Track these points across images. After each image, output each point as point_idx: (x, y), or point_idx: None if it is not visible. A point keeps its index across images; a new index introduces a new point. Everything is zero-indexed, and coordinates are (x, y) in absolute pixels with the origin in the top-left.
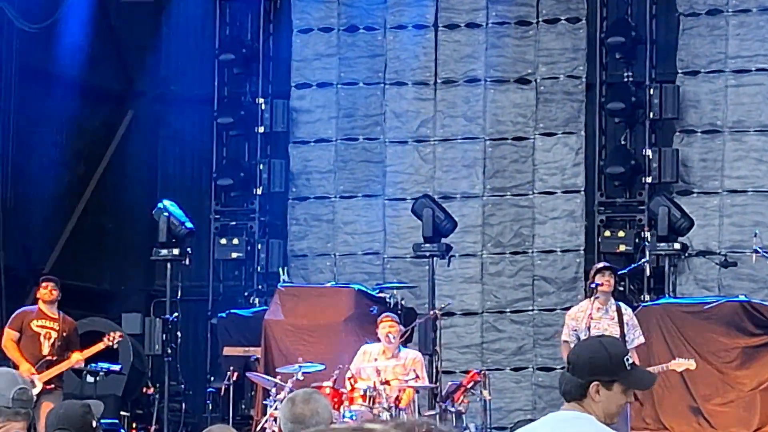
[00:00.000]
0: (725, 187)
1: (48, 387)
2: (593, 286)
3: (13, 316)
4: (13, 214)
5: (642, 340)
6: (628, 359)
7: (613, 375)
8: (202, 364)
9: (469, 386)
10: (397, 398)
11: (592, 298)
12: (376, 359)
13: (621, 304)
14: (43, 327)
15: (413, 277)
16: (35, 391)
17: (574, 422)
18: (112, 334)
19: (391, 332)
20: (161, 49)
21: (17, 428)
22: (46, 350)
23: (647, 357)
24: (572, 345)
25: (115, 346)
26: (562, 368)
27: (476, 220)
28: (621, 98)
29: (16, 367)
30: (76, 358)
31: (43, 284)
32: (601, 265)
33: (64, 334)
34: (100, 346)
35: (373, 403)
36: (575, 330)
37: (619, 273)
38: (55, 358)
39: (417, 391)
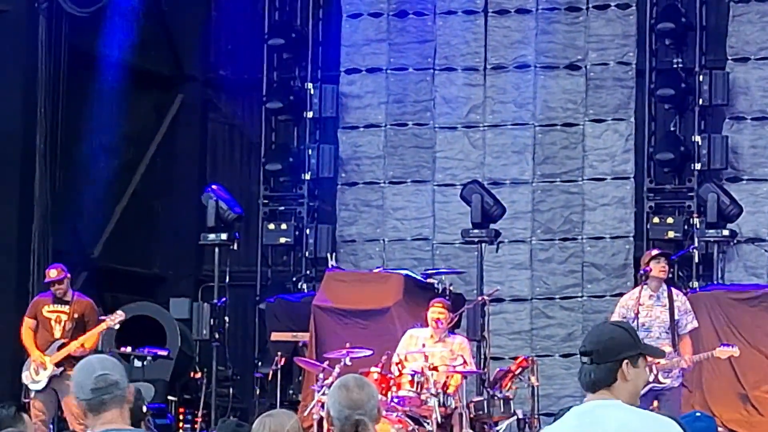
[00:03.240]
0: None
1: (61, 369)
2: (643, 272)
3: (30, 304)
4: (62, 198)
5: (695, 324)
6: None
7: (638, 348)
8: (250, 349)
9: (517, 372)
10: (444, 384)
11: (642, 285)
12: (424, 344)
13: (673, 289)
14: (53, 312)
15: (462, 262)
16: (47, 374)
17: (611, 409)
18: (113, 314)
19: (441, 317)
20: (211, 34)
21: (109, 418)
22: (58, 334)
23: (696, 344)
24: None
25: (117, 327)
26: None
27: (526, 207)
28: (671, 85)
29: (28, 354)
30: (75, 345)
31: (46, 271)
32: (656, 252)
33: (75, 315)
34: (102, 327)
35: (421, 388)
36: (625, 318)
37: (670, 259)
38: (67, 340)
39: (465, 377)
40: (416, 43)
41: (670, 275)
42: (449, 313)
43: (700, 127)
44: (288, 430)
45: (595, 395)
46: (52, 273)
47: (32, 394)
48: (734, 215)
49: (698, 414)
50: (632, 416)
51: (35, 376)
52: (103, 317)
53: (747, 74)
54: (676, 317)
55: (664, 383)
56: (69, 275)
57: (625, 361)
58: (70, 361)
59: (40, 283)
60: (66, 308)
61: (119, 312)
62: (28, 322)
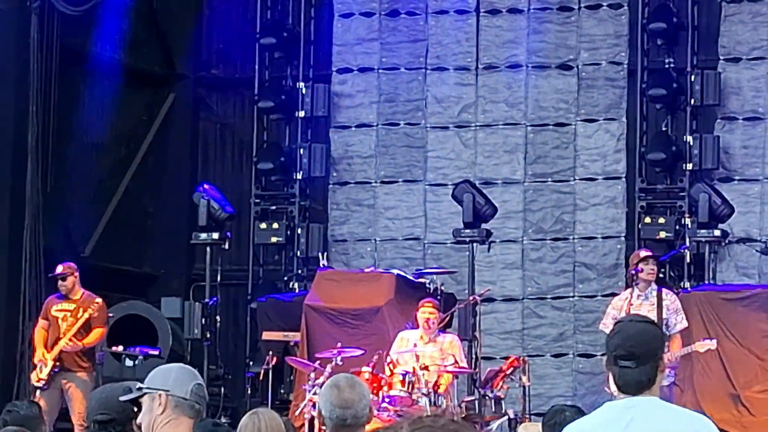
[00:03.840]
0: (766, 174)
1: (59, 365)
2: (633, 273)
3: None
4: (53, 197)
5: (685, 324)
6: None
7: (663, 340)
8: (242, 348)
9: (508, 372)
10: (435, 383)
11: (633, 286)
12: (415, 345)
13: (664, 289)
14: (60, 311)
15: (454, 262)
16: (47, 370)
17: (649, 405)
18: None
19: (431, 317)
20: (202, 33)
21: (186, 425)
22: (64, 332)
23: (686, 343)
24: None
25: (96, 315)
26: (604, 355)
27: (517, 206)
28: (662, 84)
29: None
30: (65, 342)
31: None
32: (644, 253)
33: (83, 314)
34: (60, 345)
35: (412, 388)
36: (615, 319)
37: (660, 260)
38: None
39: (456, 376)
40: (408, 42)
41: (661, 275)
42: (439, 312)
43: (692, 127)
44: (274, 427)
45: (636, 396)
46: (58, 268)
47: (38, 393)
48: (725, 215)
49: None
50: (672, 413)
51: (40, 374)
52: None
53: (739, 74)
54: (665, 316)
55: None
56: (77, 273)
57: (660, 360)
58: (76, 362)
59: (32, 281)
60: (71, 306)
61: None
62: (41, 323)
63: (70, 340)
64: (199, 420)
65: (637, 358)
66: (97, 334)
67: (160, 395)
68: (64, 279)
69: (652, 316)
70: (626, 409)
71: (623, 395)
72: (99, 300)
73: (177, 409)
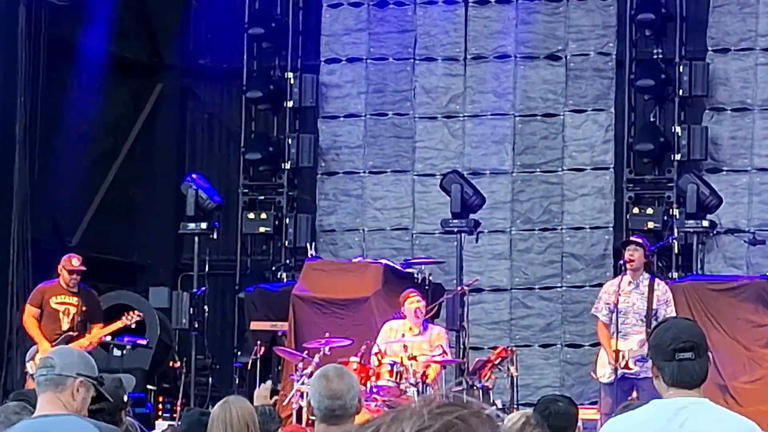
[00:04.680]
0: (754, 165)
1: None
2: (622, 261)
3: (33, 291)
4: (41, 186)
5: (673, 315)
6: None
7: None
8: (229, 338)
9: (496, 362)
10: (423, 374)
11: (623, 273)
12: (403, 335)
13: (657, 279)
14: (62, 303)
15: (441, 252)
16: None
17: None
18: (131, 313)
19: (420, 306)
20: (190, 23)
21: (44, 400)
22: (65, 326)
23: None
24: (604, 321)
25: (133, 326)
26: (593, 345)
27: (505, 197)
28: (650, 75)
29: (35, 344)
30: (92, 338)
31: (66, 257)
32: (625, 239)
33: (84, 308)
34: (118, 325)
35: (400, 378)
36: (608, 304)
37: (649, 249)
38: (76, 333)
39: (444, 367)
40: (396, 33)
41: (652, 266)
42: (425, 302)
43: (680, 118)
44: (245, 416)
45: (690, 392)
46: (75, 262)
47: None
48: (714, 206)
49: None
50: (725, 417)
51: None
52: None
53: (727, 65)
54: (654, 306)
55: (633, 369)
56: None
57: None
58: None
59: (20, 271)
60: (74, 300)
61: (137, 312)
62: (31, 311)
63: (90, 343)
64: (63, 388)
65: (697, 349)
66: (107, 332)
67: (82, 381)
68: (80, 273)
69: (642, 305)
70: (679, 409)
71: (675, 391)
72: (94, 292)
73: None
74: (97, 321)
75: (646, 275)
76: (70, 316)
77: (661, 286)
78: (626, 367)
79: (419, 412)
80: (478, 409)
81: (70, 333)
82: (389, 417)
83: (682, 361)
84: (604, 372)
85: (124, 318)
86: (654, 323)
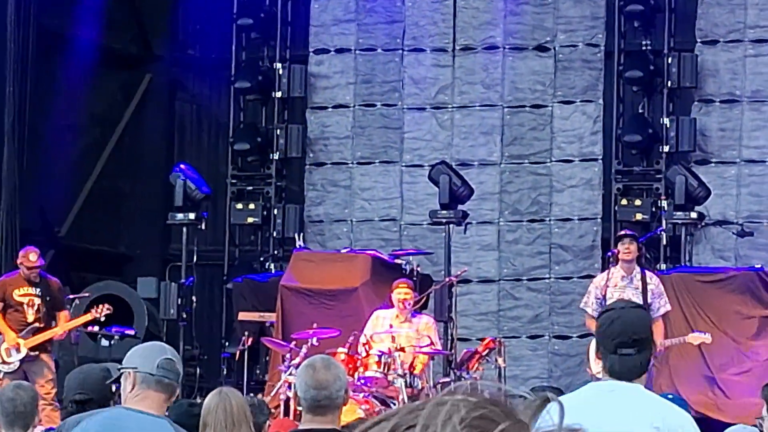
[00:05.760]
0: (743, 156)
1: (34, 354)
2: (610, 254)
3: None
4: (29, 177)
5: (668, 308)
6: None
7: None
8: (217, 328)
9: (484, 353)
10: (411, 364)
11: (612, 267)
12: (391, 325)
13: (647, 272)
14: (25, 295)
15: (430, 243)
16: (19, 357)
17: (634, 392)
18: (100, 307)
19: (407, 298)
20: (179, 13)
21: (154, 398)
22: (31, 318)
23: (665, 329)
24: (594, 315)
25: (102, 319)
26: (581, 336)
27: (494, 188)
28: (639, 67)
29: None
30: (64, 327)
31: (23, 252)
32: (622, 232)
33: (48, 298)
34: (87, 318)
35: (388, 369)
36: (598, 298)
37: (638, 241)
38: (42, 324)
39: (431, 358)
40: (385, 23)
41: (643, 259)
42: (414, 292)
43: (669, 110)
44: (241, 405)
45: (629, 383)
46: (33, 257)
47: (1, 375)
48: (702, 198)
49: (670, 396)
50: (654, 404)
51: (6, 357)
52: (70, 300)
53: (716, 57)
54: (649, 300)
55: None
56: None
57: (654, 340)
58: (44, 346)
59: (8, 261)
60: (37, 290)
61: (107, 306)
62: None
63: (64, 332)
64: (173, 396)
65: (638, 345)
66: (66, 317)
67: (129, 373)
68: (39, 268)
69: (637, 299)
70: (609, 392)
71: (612, 380)
72: (56, 280)
73: (143, 384)
74: (60, 308)
75: (638, 269)
76: (35, 307)
77: (653, 279)
78: None
79: (451, 421)
80: (512, 412)
81: (36, 324)
82: (412, 415)
83: (623, 356)
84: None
85: (93, 311)
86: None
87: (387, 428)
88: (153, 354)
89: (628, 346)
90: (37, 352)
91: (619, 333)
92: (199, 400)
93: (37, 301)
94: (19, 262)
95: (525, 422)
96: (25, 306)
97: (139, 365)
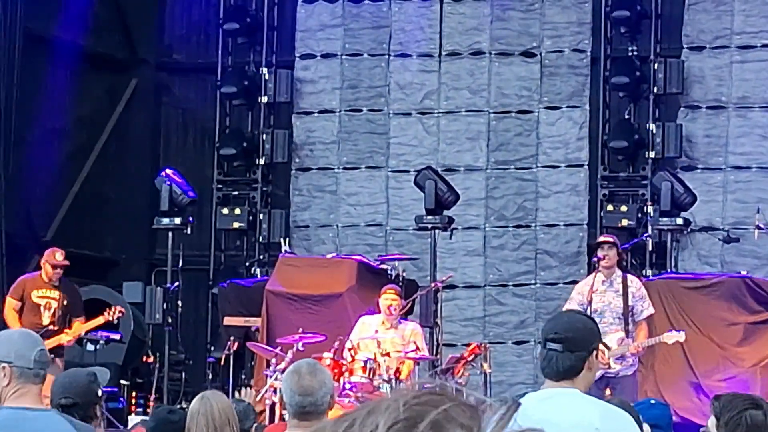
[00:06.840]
0: (729, 163)
1: (51, 356)
2: (595, 260)
3: (14, 284)
4: (14, 181)
5: (652, 311)
6: None
7: (600, 338)
8: (203, 333)
9: (469, 359)
10: (396, 370)
11: (596, 272)
12: (376, 331)
13: (629, 275)
14: (43, 297)
15: (415, 249)
16: None
17: (571, 398)
18: (114, 308)
19: (393, 304)
20: (165, 17)
21: (34, 392)
22: (46, 320)
23: (652, 330)
24: None
25: (115, 322)
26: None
27: (479, 193)
28: (625, 72)
29: None
30: (74, 332)
31: (49, 251)
32: (601, 239)
33: (65, 302)
34: (99, 321)
35: (373, 374)
36: (581, 304)
37: (621, 247)
38: (56, 327)
39: (417, 363)
40: (371, 28)
41: (624, 263)
42: (401, 299)
43: (655, 116)
44: (225, 410)
45: (557, 384)
46: (59, 256)
47: None
48: (688, 204)
49: (653, 401)
50: (592, 407)
51: None
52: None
53: (702, 63)
54: (630, 303)
55: (614, 368)
56: None
57: (594, 351)
58: (57, 350)
59: None
60: (56, 294)
61: (120, 308)
62: (12, 303)
63: (72, 338)
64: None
65: (564, 343)
66: (88, 328)
67: (3, 367)
68: (63, 268)
69: (618, 303)
70: (541, 401)
71: (547, 382)
72: (75, 285)
73: (22, 379)
74: (78, 315)
75: (619, 272)
76: (51, 310)
77: (634, 282)
78: (607, 366)
79: (395, 405)
80: (458, 398)
81: (50, 327)
82: (365, 411)
83: (549, 351)
84: None
85: (105, 314)
86: (631, 321)
87: (347, 422)
88: (27, 347)
89: (554, 341)
90: (52, 356)
91: (550, 329)
92: (184, 405)
93: (54, 304)
94: (43, 261)
95: (473, 406)
96: (41, 308)
97: (15, 359)
